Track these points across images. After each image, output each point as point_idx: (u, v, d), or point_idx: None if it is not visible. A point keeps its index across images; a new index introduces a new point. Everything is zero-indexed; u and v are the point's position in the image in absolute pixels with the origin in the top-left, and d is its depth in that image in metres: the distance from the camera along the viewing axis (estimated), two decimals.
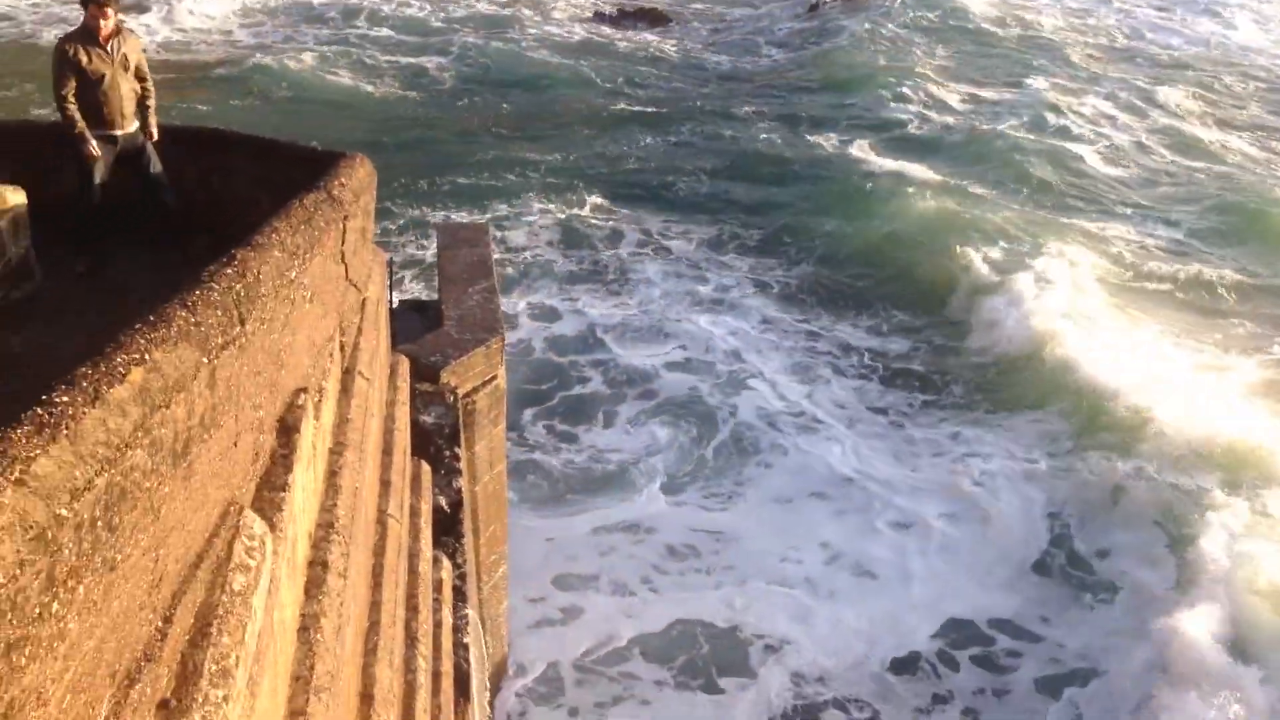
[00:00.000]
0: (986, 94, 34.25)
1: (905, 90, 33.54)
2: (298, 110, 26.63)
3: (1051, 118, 31.68)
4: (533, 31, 35.39)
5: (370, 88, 29.10)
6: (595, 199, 24.87)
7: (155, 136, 8.07)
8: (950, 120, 31.60)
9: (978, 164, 27.99)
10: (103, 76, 7.51)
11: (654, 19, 40.57)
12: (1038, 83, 35.11)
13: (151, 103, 8.02)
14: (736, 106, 31.53)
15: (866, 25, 39.91)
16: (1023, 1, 47.29)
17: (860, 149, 28.88)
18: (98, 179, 7.76)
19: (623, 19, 40.13)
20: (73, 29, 7.73)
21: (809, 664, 13.54)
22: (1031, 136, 29.84)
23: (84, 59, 7.41)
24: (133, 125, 7.87)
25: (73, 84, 7.38)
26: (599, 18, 40.04)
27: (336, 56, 30.72)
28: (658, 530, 15.45)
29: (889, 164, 27.68)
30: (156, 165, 8.05)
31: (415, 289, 19.63)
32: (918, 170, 27.11)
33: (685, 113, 30.59)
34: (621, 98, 30.51)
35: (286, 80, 28.49)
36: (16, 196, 7.04)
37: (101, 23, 7.48)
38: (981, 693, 13.45)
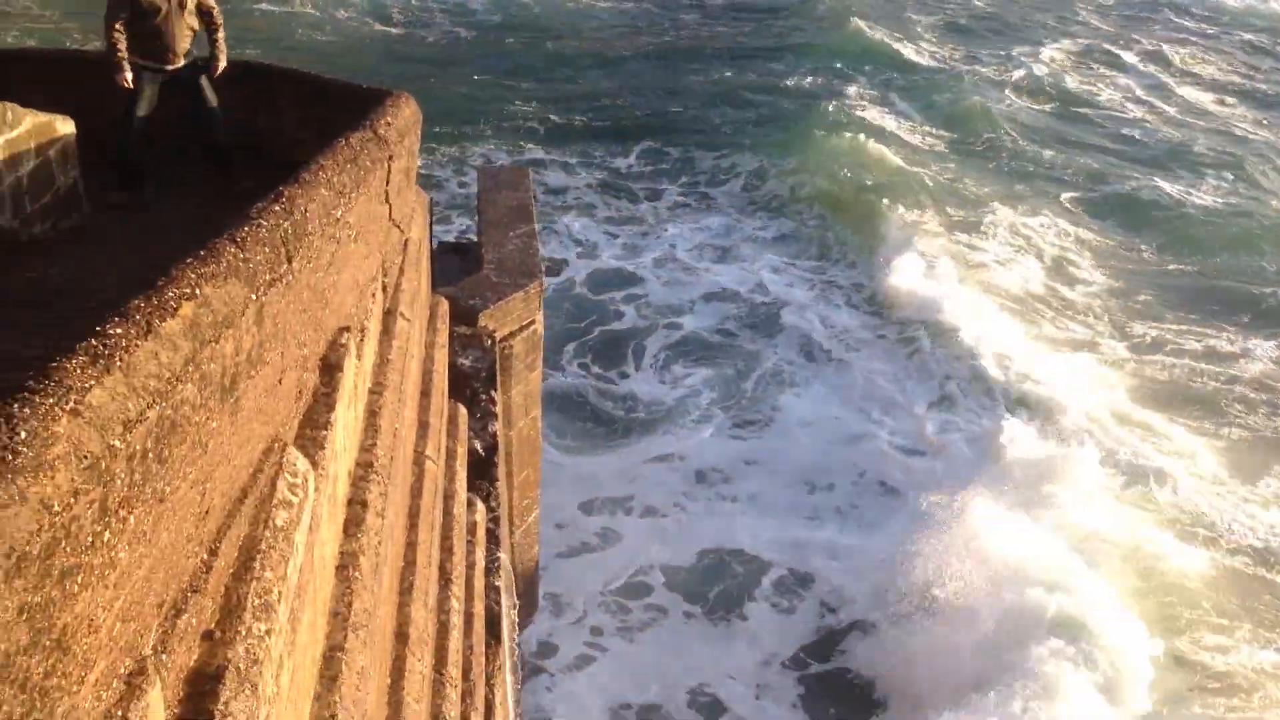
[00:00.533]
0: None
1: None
2: (342, 50, 26.52)
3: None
4: None
5: (412, 27, 28.91)
6: (644, 143, 24.67)
7: (220, 70, 8.00)
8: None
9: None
10: (158, 10, 7.45)
11: None
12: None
13: (220, 35, 7.94)
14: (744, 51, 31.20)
15: None
16: None
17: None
18: (142, 111, 7.73)
19: None
20: None
21: (834, 591, 13.75)
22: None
23: None
24: (183, 61, 7.82)
25: (123, 13, 7.32)
26: None
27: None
28: (689, 457, 15.72)
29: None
30: (212, 100, 8.00)
31: (457, 227, 19.65)
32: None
33: (717, 52, 30.48)
34: (667, 36, 30.19)
35: (329, 22, 28.35)
36: (65, 126, 7.05)
37: None
38: None
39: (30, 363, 4.83)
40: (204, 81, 7.98)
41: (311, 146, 7.15)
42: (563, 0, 32.05)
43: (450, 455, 7.96)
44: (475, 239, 13.06)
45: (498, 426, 10.02)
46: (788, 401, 17.11)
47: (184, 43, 7.78)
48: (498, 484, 9.54)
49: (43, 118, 6.87)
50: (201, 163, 8.15)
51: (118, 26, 7.33)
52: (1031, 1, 38.05)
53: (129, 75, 7.49)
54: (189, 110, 7.98)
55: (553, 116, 25.39)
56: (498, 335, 10.65)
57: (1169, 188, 24.17)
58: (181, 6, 7.66)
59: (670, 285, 19.89)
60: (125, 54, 7.41)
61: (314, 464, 4.45)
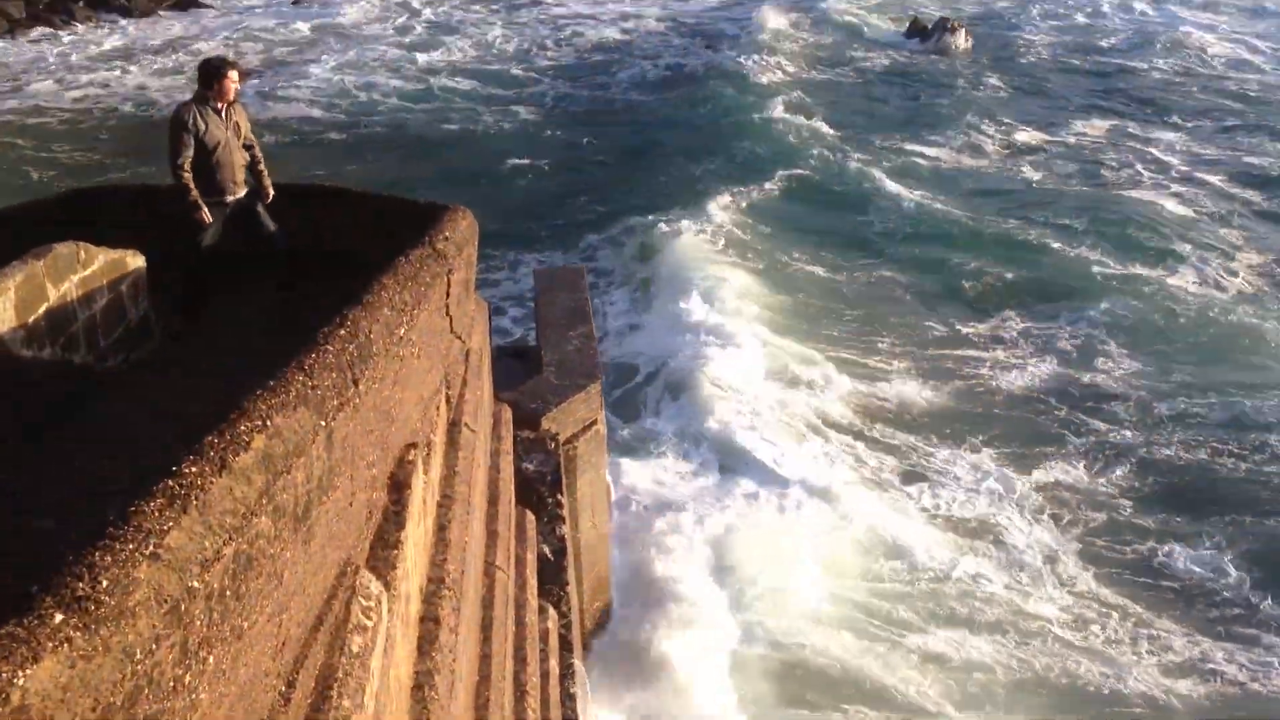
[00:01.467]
0: None
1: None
2: (390, 158, 27.19)
3: None
4: (622, 75, 35.68)
5: (457, 131, 29.58)
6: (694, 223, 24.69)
7: (271, 197, 8.24)
8: None
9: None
10: (219, 143, 7.69)
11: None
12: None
13: (263, 165, 8.20)
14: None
15: None
16: None
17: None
18: (207, 242, 7.93)
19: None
20: (188, 98, 7.94)
21: None
22: None
23: (201, 126, 7.60)
24: (243, 190, 8.06)
25: (190, 152, 7.56)
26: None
27: (422, 107, 31.36)
28: None
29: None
30: (270, 224, 8.21)
31: (511, 326, 19.77)
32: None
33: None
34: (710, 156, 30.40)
35: (376, 131, 29.16)
36: (136, 260, 7.27)
37: (230, 87, 7.68)
38: None
39: (109, 498, 4.91)
40: (260, 208, 8.21)
41: (373, 260, 7.31)
42: (604, 103, 32.54)
43: (520, 562, 7.93)
44: (534, 340, 13.18)
45: (565, 529, 9.99)
46: None
47: (241, 172, 8.02)
48: (568, 588, 9.48)
49: (114, 254, 7.09)
50: (264, 288, 8.33)
51: (186, 166, 7.57)
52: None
53: (206, 211, 7.71)
54: (251, 236, 8.18)
55: (598, 208, 25.51)
56: (561, 437, 10.67)
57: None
58: (237, 134, 7.92)
59: None
60: (197, 192, 7.65)
61: (386, 585, 4.44)
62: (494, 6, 39.51)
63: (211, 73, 7.70)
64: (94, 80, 29.39)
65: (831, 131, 29.83)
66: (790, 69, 35.86)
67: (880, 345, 19.36)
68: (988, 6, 46.67)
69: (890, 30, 42.61)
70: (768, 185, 25.97)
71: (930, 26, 41.25)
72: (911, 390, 17.87)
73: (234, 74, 7.75)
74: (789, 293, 21.27)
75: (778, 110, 30.53)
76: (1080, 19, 44.67)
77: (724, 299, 20.14)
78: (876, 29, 42.75)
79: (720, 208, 24.32)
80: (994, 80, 35.73)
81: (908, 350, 19.23)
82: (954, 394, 17.89)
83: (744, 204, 24.92)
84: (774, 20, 40.82)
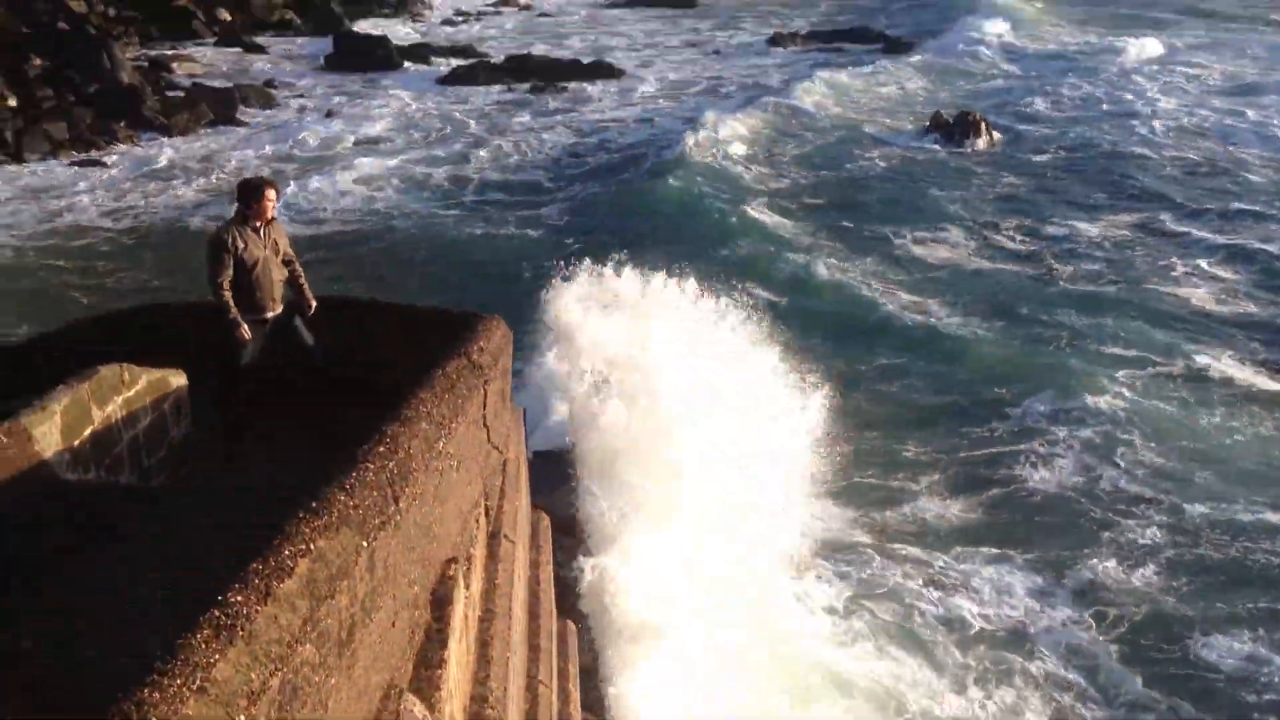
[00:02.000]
0: None
1: None
2: (422, 266, 27.50)
3: None
4: (639, 177, 36.25)
5: (486, 237, 29.96)
6: None
7: (313, 309, 8.35)
8: None
9: None
10: (257, 262, 7.83)
11: None
12: None
13: (303, 280, 8.32)
14: None
15: None
16: None
17: None
18: (245, 359, 8.03)
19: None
20: (228, 219, 8.12)
21: None
22: None
23: (240, 245, 7.75)
24: (281, 307, 8.17)
25: (229, 271, 7.70)
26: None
27: (452, 214, 31.89)
28: None
29: None
30: (309, 338, 8.30)
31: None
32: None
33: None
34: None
35: (409, 238, 29.59)
36: (178, 379, 7.37)
37: (268, 206, 7.86)
38: None
39: (155, 625, 4.91)
40: (299, 323, 8.30)
41: (409, 371, 7.37)
42: (633, 210, 32.85)
43: (562, 675, 7.81)
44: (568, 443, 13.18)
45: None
46: None
47: (280, 289, 8.14)
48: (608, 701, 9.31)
49: (156, 374, 7.20)
50: (300, 402, 8.41)
51: (225, 285, 7.70)
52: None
53: (246, 329, 7.82)
54: (289, 350, 8.27)
55: None
56: None
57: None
58: (275, 252, 8.05)
59: None
60: (236, 311, 7.77)
61: (430, 707, 4.38)
62: (523, 115, 40.35)
63: (250, 192, 7.88)
64: (135, 199, 30.14)
65: (831, 233, 29.49)
66: (787, 171, 35.68)
67: (903, 457, 18.95)
68: (1000, 97, 46.65)
69: (908, 130, 41.69)
70: (761, 292, 25.67)
71: (952, 122, 39.16)
72: (934, 505, 17.46)
73: (272, 193, 7.93)
74: None
75: (764, 212, 30.48)
76: (1105, 106, 44.59)
77: None
78: (884, 126, 42.02)
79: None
80: (1011, 176, 35.55)
81: (931, 461, 18.81)
82: (978, 502, 17.52)
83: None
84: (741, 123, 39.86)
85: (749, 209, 30.50)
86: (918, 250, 28.53)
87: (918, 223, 30.63)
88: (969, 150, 37.38)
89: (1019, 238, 29.74)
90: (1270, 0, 68.34)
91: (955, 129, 38.37)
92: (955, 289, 25.96)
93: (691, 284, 17.31)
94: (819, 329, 23.17)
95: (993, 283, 26.72)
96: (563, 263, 19.18)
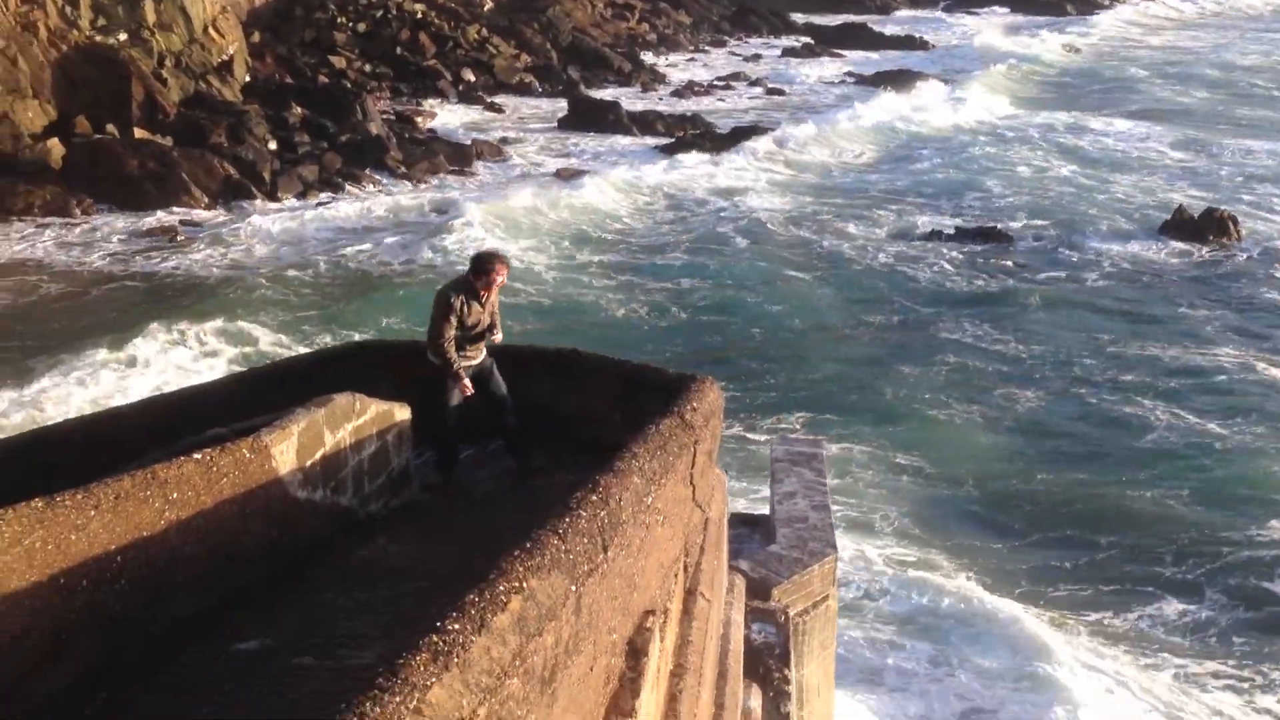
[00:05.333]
0: None
1: None
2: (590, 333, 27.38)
3: None
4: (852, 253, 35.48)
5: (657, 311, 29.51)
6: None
7: (498, 339, 8.75)
8: None
9: None
10: (475, 325, 8.39)
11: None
12: None
13: (499, 330, 8.78)
14: None
15: None
16: None
17: None
18: (455, 401, 8.53)
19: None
20: (454, 280, 8.67)
21: None
22: None
23: (464, 312, 8.31)
24: (483, 354, 8.65)
25: (452, 332, 8.27)
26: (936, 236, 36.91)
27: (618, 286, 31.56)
28: None
29: None
30: (502, 388, 8.75)
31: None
32: None
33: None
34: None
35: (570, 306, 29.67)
36: (403, 413, 7.77)
37: (496, 281, 8.40)
38: None
39: (367, 641, 5.15)
40: (495, 372, 8.74)
41: (619, 428, 7.53)
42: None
43: None
44: (768, 510, 13.09)
45: (791, 708, 9.68)
46: None
47: (484, 340, 8.66)
48: None
49: (384, 406, 7.61)
50: (501, 445, 8.82)
51: (448, 344, 8.26)
52: None
53: (468, 384, 8.35)
54: (489, 399, 8.71)
55: (849, 396, 24.61)
56: (791, 611, 10.45)
57: None
58: (489, 316, 8.57)
59: None
60: (460, 366, 8.33)
61: None
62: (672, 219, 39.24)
63: (482, 266, 8.42)
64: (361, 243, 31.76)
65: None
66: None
67: None
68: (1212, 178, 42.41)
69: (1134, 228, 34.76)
70: None
71: (1198, 218, 32.45)
72: None
73: (503, 271, 8.49)
74: None
75: None
76: None
77: None
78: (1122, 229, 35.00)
79: None
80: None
81: None
82: None
83: None
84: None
85: None
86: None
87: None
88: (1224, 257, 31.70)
89: None
90: None
91: (1205, 227, 32.69)
92: None
93: None
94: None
95: None
96: None
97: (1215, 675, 15.43)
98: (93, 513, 4.94)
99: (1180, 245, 32.98)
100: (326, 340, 23.48)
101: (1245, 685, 15.23)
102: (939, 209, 37.70)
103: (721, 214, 36.71)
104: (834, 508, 15.65)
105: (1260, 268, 31.72)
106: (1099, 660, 15.35)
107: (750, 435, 22.21)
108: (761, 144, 44.38)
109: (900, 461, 21.00)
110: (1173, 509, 19.56)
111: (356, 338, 20.56)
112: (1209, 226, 33.07)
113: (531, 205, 35.37)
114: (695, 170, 40.91)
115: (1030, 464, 21.09)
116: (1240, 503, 19.63)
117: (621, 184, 38.65)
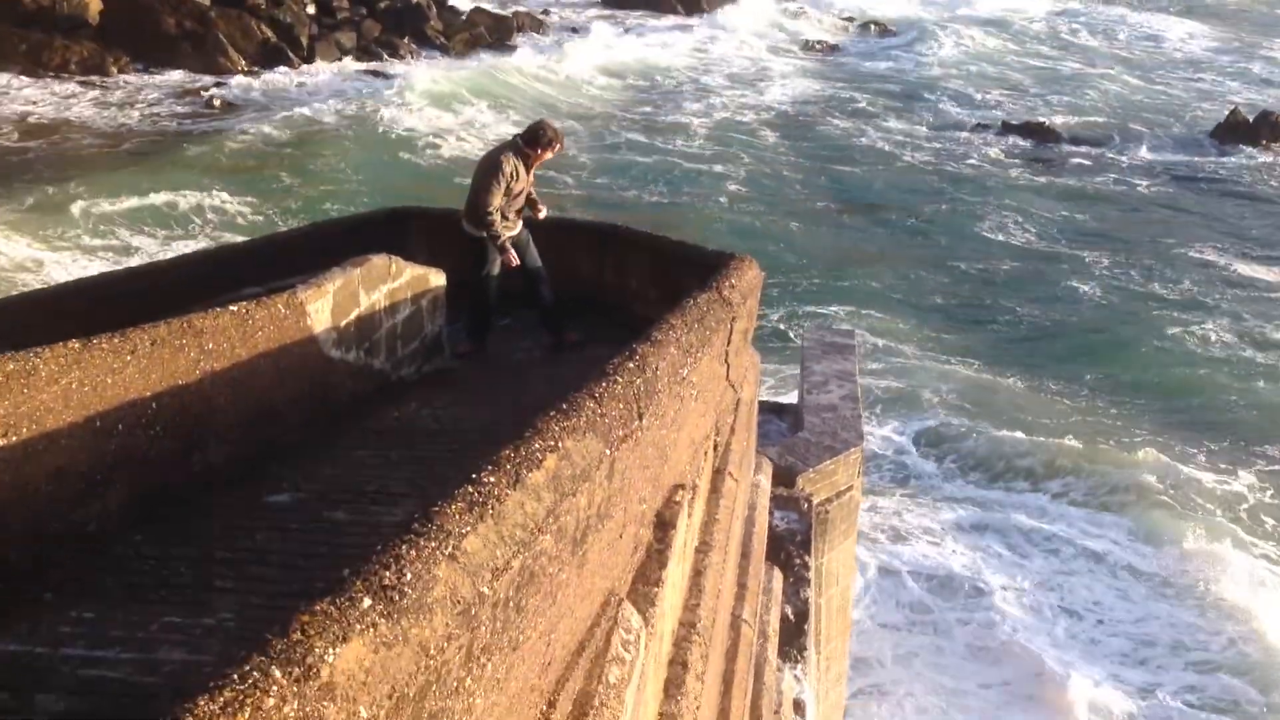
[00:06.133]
0: None
1: None
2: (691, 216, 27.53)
3: None
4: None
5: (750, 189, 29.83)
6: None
7: (542, 216, 8.64)
8: None
9: None
10: (519, 193, 8.24)
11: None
12: None
13: (543, 211, 8.65)
14: None
15: None
16: None
17: None
18: (495, 270, 8.44)
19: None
20: (505, 143, 8.47)
21: None
22: None
23: (513, 177, 8.14)
24: (520, 225, 8.53)
25: (500, 198, 8.10)
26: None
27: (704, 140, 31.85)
28: None
29: None
30: (537, 260, 8.65)
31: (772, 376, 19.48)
32: None
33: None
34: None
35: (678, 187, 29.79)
36: (438, 279, 7.71)
37: (548, 155, 8.22)
38: None
39: (398, 498, 5.17)
40: (530, 243, 8.63)
41: (656, 305, 7.45)
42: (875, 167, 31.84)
43: (764, 620, 7.81)
44: (797, 399, 13.06)
45: (810, 593, 9.78)
46: None
47: (523, 210, 8.53)
48: (807, 653, 9.26)
49: (419, 270, 7.55)
50: (534, 316, 8.76)
51: (494, 209, 8.10)
52: None
53: (513, 255, 8.24)
54: (529, 271, 8.62)
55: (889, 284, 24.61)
56: (815, 499, 10.49)
57: None
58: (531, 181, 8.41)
59: None
60: (505, 236, 8.19)
61: (646, 620, 4.45)
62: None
63: (540, 139, 8.21)
64: (419, 118, 31.50)
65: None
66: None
67: None
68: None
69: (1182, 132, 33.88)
70: None
71: (1252, 121, 31.87)
72: None
73: (559, 147, 8.31)
74: None
75: None
76: None
77: None
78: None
79: None
80: None
81: None
82: None
83: None
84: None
85: None
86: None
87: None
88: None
89: None
90: None
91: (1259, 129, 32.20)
92: None
93: None
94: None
95: None
96: None
97: None
98: (129, 357, 4.94)
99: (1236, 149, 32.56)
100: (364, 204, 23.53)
101: None
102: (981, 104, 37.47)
103: None
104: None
105: None
106: None
107: (782, 326, 22.23)
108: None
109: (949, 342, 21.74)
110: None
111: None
112: (1263, 131, 32.89)
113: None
114: None
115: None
116: None
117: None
